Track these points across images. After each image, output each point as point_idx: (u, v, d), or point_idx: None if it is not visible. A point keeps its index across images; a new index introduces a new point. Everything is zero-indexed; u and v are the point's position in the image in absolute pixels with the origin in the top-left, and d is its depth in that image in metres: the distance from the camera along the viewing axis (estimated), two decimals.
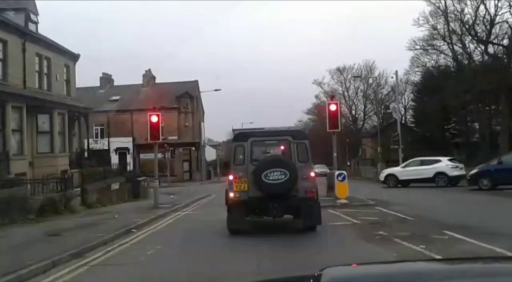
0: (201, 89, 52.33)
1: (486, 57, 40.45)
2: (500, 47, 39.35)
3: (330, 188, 19.00)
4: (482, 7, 37.94)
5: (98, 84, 52.00)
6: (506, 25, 37.87)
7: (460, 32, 40.48)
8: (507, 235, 9.71)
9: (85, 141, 27.18)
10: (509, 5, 36.29)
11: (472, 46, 41.51)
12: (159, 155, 27.77)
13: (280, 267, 7.62)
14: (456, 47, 42.01)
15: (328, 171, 28.86)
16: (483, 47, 40.08)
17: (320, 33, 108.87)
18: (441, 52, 43.76)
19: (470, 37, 40.17)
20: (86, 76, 51.67)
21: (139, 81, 52.49)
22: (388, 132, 49.97)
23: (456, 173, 26.08)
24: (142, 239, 11.44)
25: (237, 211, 10.96)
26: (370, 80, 60.58)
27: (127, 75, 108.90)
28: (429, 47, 43.82)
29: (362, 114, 64.75)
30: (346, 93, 63.24)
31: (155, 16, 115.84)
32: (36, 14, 24.24)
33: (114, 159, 40.27)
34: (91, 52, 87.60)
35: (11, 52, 20.50)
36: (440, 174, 25.91)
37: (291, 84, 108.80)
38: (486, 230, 10.40)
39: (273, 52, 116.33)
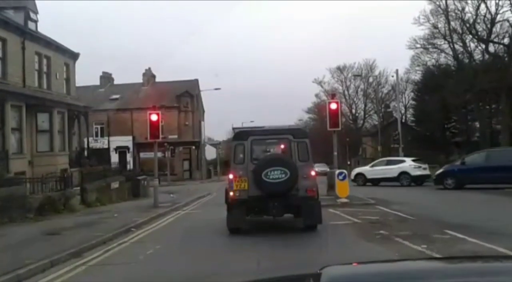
0: (201, 88, 52.31)
1: (486, 56, 40.39)
2: (501, 46, 39.29)
3: (331, 187, 18.96)
4: (483, 5, 37.89)
5: (98, 83, 51.98)
6: (507, 24, 37.81)
7: (460, 31, 40.42)
8: (509, 235, 9.67)
9: (85, 140, 27.15)
10: (510, 3, 36.22)
11: (472, 45, 41.47)
12: (159, 154, 27.71)
13: (280, 266, 7.57)
14: (456, 46, 41.96)
15: (328, 170, 29.23)
16: (483, 46, 40.02)
17: (320, 32, 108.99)
18: (442, 51, 43.70)
19: (470, 36, 40.11)
20: (86, 75, 51.72)
21: (139, 80, 52.48)
22: (388, 131, 49.97)
23: (418, 172, 27.27)
24: (142, 238, 11.40)
25: (237, 210, 10.91)
26: (371, 79, 60.66)
27: (127, 74, 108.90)
28: (429, 46, 43.76)
29: (362, 113, 64.79)
30: (346, 92, 63.31)
31: (155, 15, 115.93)
32: (36, 12, 24.20)
33: (114, 157, 40.36)
34: (91, 51, 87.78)
35: (10, 51, 20.45)
36: (403, 174, 27.17)
37: (291, 83, 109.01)
38: (487, 229, 10.35)
39: (273, 51, 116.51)
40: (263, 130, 12.25)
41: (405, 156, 33.69)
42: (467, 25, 39.28)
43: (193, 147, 49.63)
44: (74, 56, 26.90)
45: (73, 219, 14.60)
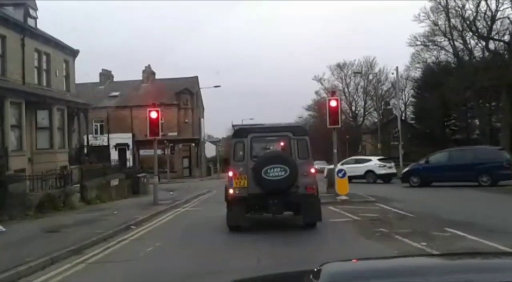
0: (201, 86, 52.31)
1: (487, 54, 40.36)
2: (501, 44, 39.27)
3: (330, 184, 18.96)
4: (483, 3, 37.85)
5: (97, 80, 51.92)
6: (507, 21, 37.79)
7: (461, 28, 40.39)
8: (509, 232, 9.68)
9: (85, 137, 27.14)
10: (510, 0, 36.17)
11: (473, 42, 41.46)
12: (159, 151, 27.71)
13: (280, 264, 7.58)
14: (457, 43, 41.93)
15: (326, 166, 29.74)
16: (484, 43, 39.99)
17: (320, 29, 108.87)
18: (442, 48, 43.69)
19: (471, 33, 40.08)
20: (85, 72, 51.49)
21: (139, 77, 52.44)
22: (388, 128, 50.01)
23: (383, 171, 28.70)
24: (142, 236, 11.40)
25: (236, 208, 10.91)
26: (371, 77, 60.65)
27: (127, 71, 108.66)
28: (429, 43, 43.75)
29: (362, 110, 64.80)
30: (346, 90, 63.33)
31: (155, 12, 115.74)
32: (35, 9, 24.13)
33: (114, 155, 40.33)
34: (91, 48, 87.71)
35: (10, 47, 20.40)
36: (369, 172, 28.71)
37: (291, 81, 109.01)
38: (487, 226, 10.36)
39: (273, 48, 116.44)
40: (263, 128, 12.24)
41: (405, 153, 33.75)
42: (467, 22, 39.23)
43: (193, 144, 49.62)
44: (74, 53, 26.84)
45: (73, 217, 14.60)
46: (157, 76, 52.58)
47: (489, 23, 38.23)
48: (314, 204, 10.94)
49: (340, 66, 61.91)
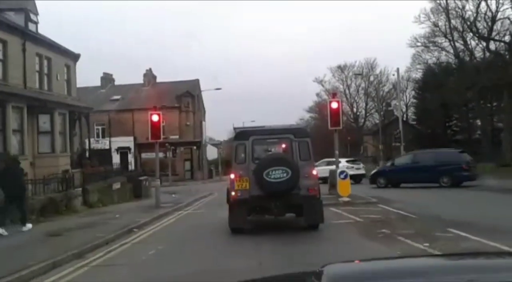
0: (202, 88, 52.33)
1: (487, 54, 40.34)
2: (502, 44, 39.25)
3: (332, 186, 18.95)
4: (483, 3, 37.86)
5: (99, 84, 51.99)
6: (507, 22, 37.79)
7: (461, 29, 40.38)
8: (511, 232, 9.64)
9: (86, 141, 27.14)
10: (511, 1, 36.17)
11: (473, 43, 41.46)
12: (160, 154, 27.69)
13: (282, 265, 7.57)
14: (457, 44, 41.92)
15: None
16: (484, 44, 39.98)
17: (321, 31, 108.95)
18: (443, 49, 43.68)
19: (471, 34, 40.08)
20: (87, 76, 51.73)
21: (140, 80, 52.51)
22: (389, 129, 49.93)
23: (351, 172, 29.16)
24: (144, 239, 11.40)
25: (238, 210, 10.90)
26: (371, 78, 60.58)
27: (128, 75, 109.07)
28: (430, 44, 43.75)
29: (363, 112, 64.76)
30: (347, 91, 63.28)
31: (156, 16, 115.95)
32: (36, 14, 24.19)
33: (116, 158, 40.40)
34: (92, 52, 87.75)
35: (11, 52, 20.44)
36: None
37: (292, 83, 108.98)
38: (490, 227, 10.34)
39: (274, 50, 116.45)
40: (264, 130, 12.23)
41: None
42: (468, 23, 39.23)
43: (194, 147, 49.63)
44: (75, 57, 26.89)
45: (75, 220, 14.60)
46: (158, 80, 52.66)
47: (489, 23, 38.23)
48: (316, 205, 10.93)
49: (341, 68, 61.96)
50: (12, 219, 13.49)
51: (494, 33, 38.62)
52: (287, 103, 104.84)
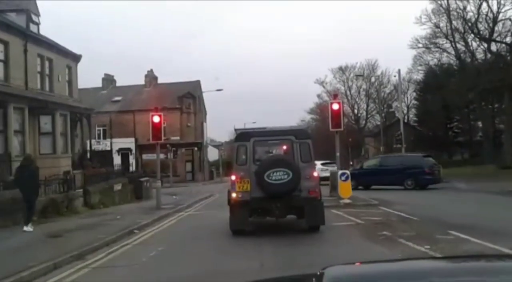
0: (203, 90, 52.39)
1: (489, 55, 40.31)
2: (503, 45, 39.21)
3: (333, 187, 18.93)
4: (484, 4, 37.83)
5: (100, 85, 52.05)
6: (509, 23, 37.73)
7: (462, 30, 40.35)
8: None
9: (88, 142, 27.16)
10: None
11: (475, 44, 41.40)
12: (162, 155, 27.72)
13: (283, 267, 7.56)
14: (458, 45, 41.89)
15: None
16: (486, 45, 39.94)
17: (322, 32, 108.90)
18: (444, 50, 43.64)
19: (472, 35, 40.03)
20: (88, 77, 51.80)
21: (141, 81, 52.57)
22: (391, 131, 49.95)
23: (325, 174, 29.40)
24: (145, 240, 11.39)
25: (239, 212, 10.89)
26: (373, 79, 60.57)
27: (129, 76, 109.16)
28: (431, 46, 43.70)
29: (364, 113, 64.73)
30: (348, 93, 63.23)
31: (157, 16, 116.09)
32: (38, 15, 24.23)
33: (117, 159, 40.41)
34: (93, 53, 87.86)
35: (12, 53, 20.47)
36: None
37: (293, 84, 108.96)
38: (491, 229, 10.32)
39: (275, 52, 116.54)
40: (265, 132, 12.22)
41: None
42: (469, 24, 39.20)
43: (196, 148, 49.64)
44: (76, 58, 26.92)
45: (76, 221, 14.61)
46: (159, 81, 52.71)
47: (490, 25, 38.19)
48: (317, 207, 10.91)
49: (342, 69, 61.90)
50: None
51: (495, 35, 38.58)
52: (288, 105, 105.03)
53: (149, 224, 13.87)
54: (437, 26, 41.31)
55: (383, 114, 58.46)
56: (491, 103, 46.25)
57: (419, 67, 49.74)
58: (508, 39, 38.48)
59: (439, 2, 39.93)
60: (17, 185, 13.07)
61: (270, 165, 10.58)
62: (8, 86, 19.80)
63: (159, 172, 19.71)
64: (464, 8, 38.93)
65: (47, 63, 23.61)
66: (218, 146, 64.26)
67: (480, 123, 48.53)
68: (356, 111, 64.77)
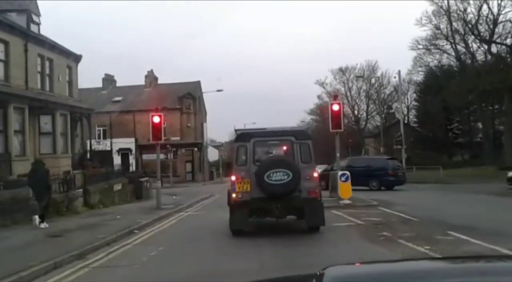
0: (203, 90, 52.40)
1: (489, 57, 40.35)
2: (503, 47, 39.26)
3: (333, 188, 18.94)
4: (485, 6, 37.92)
5: (100, 85, 52.04)
6: (509, 25, 37.83)
7: (463, 32, 40.40)
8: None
9: (88, 142, 27.17)
10: None
11: (475, 46, 41.47)
12: (162, 156, 27.70)
13: (283, 267, 7.56)
14: (459, 47, 41.93)
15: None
16: (486, 47, 39.99)
17: (322, 33, 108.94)
18: (444, 51, 43.71)
19: (473, 36, 40.10)
20: (88, 77, 51.76)
21: (142, 82, 52.54)
22: (391, 132, 49.94)
23: None
24: (145, 240, 11.39)
25: (239, 212, 10.89)
26: (373, 80, 60.53)
27: (130, 76, 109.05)
28: (432, 47, 43.79)
29: (364, 114, 64.70)
30: (348, 94, 63.22)
31: (158, 17, 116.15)
32: (38, 15, 24.25)
33: (117, 159, 40.39)
34: (94, 53, 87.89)
35: (13, 53, 20.49)
36: None
37: (293, 85, 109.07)
38: (490, 230, 10.34)
39: (275, 53, 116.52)
40: (266, 132, 12.22)
41: (408, 157, 33.69)
42: (469, 26, 39.25)
43: (196, 149, 49.63)
44: (77, 58, 26.94)
45: (76, 221, 14.61)
46: (159, 81, 52.69)
47: (491, 26, 38.24)
48: (317, 208, 10.92)
49: (342, 70, 61.90)
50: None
51: (495, 36, 38.63)
52: (288, 105, 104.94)
53: (149, 224, 13.88)
54: (437, 27, 41.39)
55: (383, 115, 58.44)
56: (491, 104, 46.28)
57: (419, 69, 49.83)
58: (508, 41, 38.55)
59: (439, 3, 40.04)
60: (30, 186, 13.95)
61: (270, 165, 10.59)
62: (9, 86, 19.81)
63: (159, 172, 19.71)
64: (465, 9, 39.02)
65: (47, 63, 23.63)
66: (218, 146, 64.27)
67: (480, 125, 48.54)
68: (356, 112, 64.77)
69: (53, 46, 24.35)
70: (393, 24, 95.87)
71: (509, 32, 38.25)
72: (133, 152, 46.85)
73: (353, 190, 22.92)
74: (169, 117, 39.71)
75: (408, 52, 61.24)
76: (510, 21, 37.50)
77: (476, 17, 38.57)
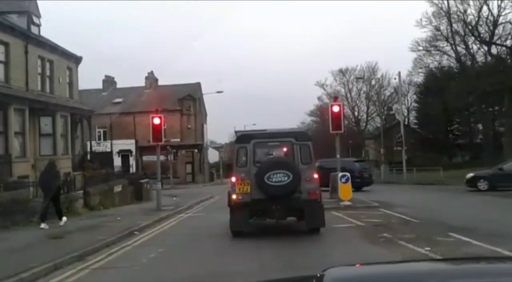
0: (203, 92, 52.42)
1: (489, 58, 40.35)
2: (504, 48, 39.26)
3: (334, 189, 18.93)
4: (485, 7, 37.91)
5: (100, 86, 52.10)
6: (509, 26, 37.82)
7: (463, 33, 40.41)
8: None
9: (88, 143, 27.20)
10: None
11: (475, 47, 41.47)
12: (162, 157, 27.71)
13: (283, 269, 7.56)
14: (459, 48, 41.93)
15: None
16: (486, 48, 40.00)
17: (323, 34, 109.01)
18: (444, 53, 43.70)
19: (473, 38, 40.10)
20: (88, 78, 51.81)
21: (142, 83, 52.60)
22: (391, 133, 49.94)
23: None
24: (145, 242, 11.39)
25: (239, 213, 10.89)
26: (373, 82, 60.51)
27: (130, 78, 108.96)
28: (432, 48, 43.77)
29: (365, 115, 64.67)
30: (348, 95, 63.19)
31: (158, 17, 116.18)
32: (39, 16, 24.27)
33: (117, 161, 40.46)
34: (94, 54, 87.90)
35: (13, 54, 20.50)
36: None
37: (293, 86, 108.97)
38: (491, 232, 10.33)
39: (275, 54, 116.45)
40: (266, 134, 12.23)
41: (408, 158, 33.72)
42: (470, 27, 39.26)
43: (196, 150, 49.65)
44: (77, 60, 26.95)
45: (76, 223, 14.60)
46: (160, 83, 52.73)
47: (491, 28, 38.24)
48: (317, 209, 10.91)
49: (343, 72, 61.90)
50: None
51: (495, 38, 38.63)
52: (289, 107, 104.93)
53: (149, 226, 13.87)
54: (437, 29, 41.40)
55: (383, 117, 58.41)
56: (491, 106, 46.25)
57: (420, 70, 49.81)
58: (508, 42, 38.56)
59: (439, 5, 40.04)
60: (41, 187, 14.54)
61: (270, 166, 10.59)
62: (9, 87, 19.82)
63: (159, 173, 19.71)
64: (465, 11, 39.03)
65: (47, 65, 23.64)
66: (218, 147, 64.22)
67: (480, 126, 48.53)
68: (356, 113, 64.74)
69: (54, 48, 24.36)
70: (393, 25, 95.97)
71: (509, 34, 38.26)
72: (133, 153, 46.88)
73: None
74: (169, 118, 39.75)
75: (408, 54, 61.47)
76: (510, 23, 37.54)
77: (476, 19, 38.60)
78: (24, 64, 21.26)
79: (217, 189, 32.61)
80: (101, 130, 45.88)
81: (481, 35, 39.15)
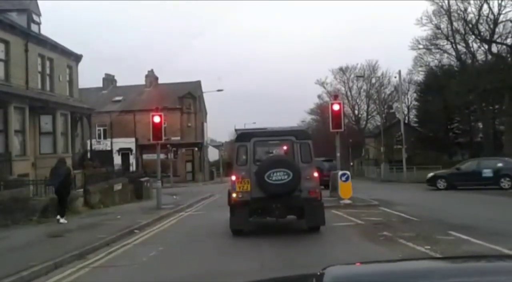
0: (203, 90, 52.42)
1: (489, 57, 40.30)
2: (504, 47, 39.20)
3: (334, 188, 18.94)
4: (485, 6, 37.84)
5: (101, 85, 52.08)
6: (509, 24, 37.75)
7: (463, 32, 40.36)
8: None
9: (88, 142, 27.19)
10: None
11: (475, 46, 41.40)
12: (162, 156, 27.71)
13: (283, 267, 7.56)
14: (459, 47, 41.89)
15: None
16: (486, 47, 39.94)
17: (323, 33, 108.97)
18: (445, 51, 43.65)
19: (473, 36, 40.04)
20: (89, 77, 51.74)
21: (142, 81, 52.58)
22: (391, 132, 49.93)
23: None
24: (145, 240, 11.40)
25: (239, 212, 10.90)
26: (373, 80, 60.51)
27: (130, 76, 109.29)
28: (432, 47, 43.72)
29: (365, 114, 64.66)
30: (349, 93, 63.17)
31: (158, 17, 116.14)
32: (39, 15, 24.25)
33: (117, 159, 40.43)
34: (94, 53, 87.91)
35: (13, 53, 20.49)
36: None
37: (294, 85, 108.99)
38: (491, 230, 10.33)
39: (276, 53, 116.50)
40: (266, 132, 12.23)
41: (408, 157, 33.71)
42: (470, 25, 39.20)
43: (196, 149, 49.65)
44: (77, 58, 26.94)
45: (76, 221, 14.60)
46: (160, 81, 52.71)
47: (491, 26, 38.19)
48: (317, 207, 10.92)
49: (343, 70, 61.86)
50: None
51: (496, 36, 38.57)
52: (289, 105, 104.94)
53: (150, 224, 13.88)
54: (437, 27, 41.33)
55: (383, 115, 58.41)
56: (491, 104, 46.21)
57: (420, 68, 49.77)
58: (508, 41, 38.49)
59: (440, 3, 39.98)
60: (51, 183, 14.90)
61: (270, 165, 10.60)
62: (9, 86, 19.82)
63: (159, 172, 19.71)
64: (465, 9, 38.96)
65: (48, 63, 23.64)
66: (218, 146, 64.28)
67: (480, 125, 48.48)
68: (356, 112, 64.74)
69: (54, 46, 24.35)
70: (393, 23, 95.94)
71: (509, 32, 38.20)
72: (134, 151, 46.89)
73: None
74: (170, 117, 39.74)
75: (408, 52, 61.39)
76: (511, 21, 37.47)
77: (477, 17, 38.54)
78: (24, 62, 21.25)
79: (217, 187, 32.63)
80: (101, 128, 45.88)
81: (482, 33, 39.09)
